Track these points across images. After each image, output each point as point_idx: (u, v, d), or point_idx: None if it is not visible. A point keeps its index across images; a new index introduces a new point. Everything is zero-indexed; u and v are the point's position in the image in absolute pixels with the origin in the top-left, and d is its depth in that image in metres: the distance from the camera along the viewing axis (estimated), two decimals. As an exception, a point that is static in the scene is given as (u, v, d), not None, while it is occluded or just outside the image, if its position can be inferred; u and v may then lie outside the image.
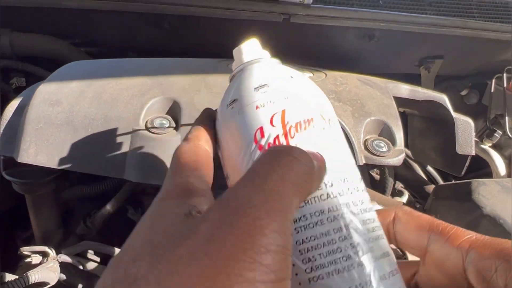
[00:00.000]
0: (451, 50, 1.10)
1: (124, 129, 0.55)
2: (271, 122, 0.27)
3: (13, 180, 0.73)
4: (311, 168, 0.23)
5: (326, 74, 0.72)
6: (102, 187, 0.92)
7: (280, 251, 0.19)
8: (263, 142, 0.26)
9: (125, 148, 0.55)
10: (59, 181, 0.78)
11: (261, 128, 0.27)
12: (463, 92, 1.24)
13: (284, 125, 0.27)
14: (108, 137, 0.55)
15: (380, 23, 0.96)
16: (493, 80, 1.13)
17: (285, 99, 0.28)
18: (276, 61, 0.33)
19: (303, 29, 0.92)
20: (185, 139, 0.29)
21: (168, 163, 0.55)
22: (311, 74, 0.70)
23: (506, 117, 1.08)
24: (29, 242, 0.95)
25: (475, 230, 0.73)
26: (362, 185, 0.28)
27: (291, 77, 0.30)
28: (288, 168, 0.22)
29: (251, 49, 0.33)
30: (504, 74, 1.10)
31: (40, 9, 0.80)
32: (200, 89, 0.59)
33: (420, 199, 0.88)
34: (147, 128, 0.55)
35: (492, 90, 1.14)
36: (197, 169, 0.27)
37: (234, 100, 0.29)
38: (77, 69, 0.64)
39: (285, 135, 0.27)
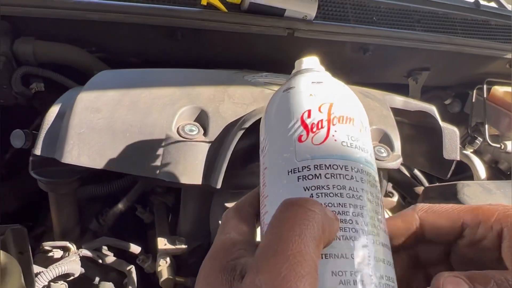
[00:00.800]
0: (437, 63, 1.15)
1: (159, 135, 0.59)
2: (319, 109, 0.29)
3: (40, 179, 0.76)
4: (326, 217, 0.24)
5: None
6: (112, 188, 0.96)
7: None
8: (308, 121, 0.29)
9: (159, 151, 0.59)
10: (81, 181, 0.82)
11: (309, 111, 0.29)
12: (447, 102, 1.30)
13: (329, 114, 0.29)
14: (144, 142, 0.59)
15: (374, 38, 1.01)
16: (474, 91, 1.19)
17: (335, 96, 0.30)
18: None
19: (305, 43, 0.96)
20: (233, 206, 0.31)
21: (197, 164, 0.61)
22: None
23: (486, 125, 1.13)
24: (41, 238, 0.98)
25: None
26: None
27: (343, 85, 0.32)
28: (306, 224, 0.23)
29: (313, 62, 0.35)
30: (484, 86, 1.17)
31: (62, 20, 0.82)
32: (223, 99, 0.64)
33: (410, 199, 0.95)
34: (178, 134, 0.60)
35: (473, 100, 1.20)
36: (238, 226, 0.29)
37: (291, 87, 0.31)
38: (110, 78, 0.67)
39: (328, 121, 0.29)
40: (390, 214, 0.81)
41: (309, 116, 0.28)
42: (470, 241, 0.29)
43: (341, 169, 0.27)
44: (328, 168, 0.27)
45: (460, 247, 0.30)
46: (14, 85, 0.84)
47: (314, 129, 0.29)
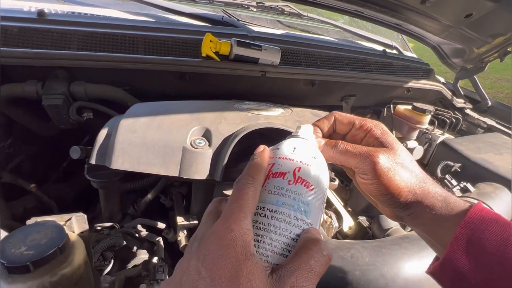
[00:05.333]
0: (360, 91, 1.18)
1: (178, 147, 0.60)
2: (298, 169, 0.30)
3: (93, 180, 0.76)
4: (327, 259, 0.26)
5: (292, 110, 0.78)
6: (143, 183, 0.95)
7: None
8: (295, 173, 0.29)
9: (178, 158, 0.60)
10: (122, 180, 0.82)
11: (297, 169, 0.30)
12: (367, 116, 1.31)
13: (270, 171, 0.30)
14: (168, 152, 0.60)
15: (319, 76, 1.04)
16: (385, 109, 1.24)
17: (278, 158, 0.31)
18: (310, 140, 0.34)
19: (273, 81, 0.97)
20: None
21: (204, 166, 0.62)
22: (283, 110, 0.78)
23: (393, 131, 1.18)
24: (93, 220, 0.96)
25: None
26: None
27: (314, 157, 0.31)
28: (322, 267, 0.25)
29: (306, 131, 0.34)
30: (391, 105, 1.22)
31: (105, 69, 0.81)
32: (221, 121, 0.65)
33: (346, 182, 0.98)
34: (191, 146, 0.61)
35: (385, 115, 1.24)
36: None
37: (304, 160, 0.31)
38: (142, 109, 0.67)
39: (267, 176, 0.30)
40: (334, 194, 0.83)
41: (298, 170, 0.30)
42: (352, 134, 0.37)
43: (261, 209, 0.28)
44: (262, 209, 0.28)
45: (348, 136, 0.37)
46: (71, 115, 0.83)
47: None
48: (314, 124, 0.37)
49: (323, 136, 0.37)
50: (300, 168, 0.30)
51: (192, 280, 0.23)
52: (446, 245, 0.31)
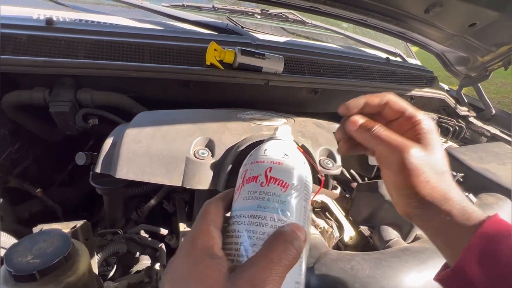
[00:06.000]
0: None
1: (181, 157, 0.60)
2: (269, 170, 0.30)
3: (98, 187, 0.77)
4: (299, 247, 0.25)
5: (294, 120, 0.79)
6: (146, 189, 0.96)
7: None
8: (267, 173, 0.29)
9: (182, 168, 0.60)
10: (125, 187, 0.83)
11: (268, 169, 0.29)
12: None
13: (244, 177, 0.30)
14: (172, 162, 0.60)
15: (321, 84, 1.04)
16: None
17: (251, 162, 0.31)
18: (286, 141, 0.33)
19: (276, 89, 0.98)
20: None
21: (207, 176, 0.62)
22: (286, 120, 0.77)
23: None
24: (96, 224, 0.96)
25: (380, 211, 0.81)
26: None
27: (286, 155, 0.31)
28: (288, 256, 0.24)
29: (282, 132, 0.35)
30: None
31: (111, 76, 0.82)
32: (224, 131, 0.65)
33: (348, 191, 0.98)
34: (195, 156, 0.61)
35: None
36: (215, 220, 0.29)
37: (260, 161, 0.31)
38: (147, 118, 0.68)
39: (242, 181, 0.30)
40: (335, 203, 0.83)
41: (269, 171, 0.30)
42: (399, 122, 0.35)
43: (238, 217, 0.28)
44: (238, 217, 0.29)
45: (394, 123, 0.36)
46: (77, 121, 0.84)
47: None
48: (364, 98, 0.37)
49: (367, 113, 0.36)
50: (271, 168, 0.29)
51: None
52: (457, 252, 0.30)
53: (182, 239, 0.79)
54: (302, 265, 0.28)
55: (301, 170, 0.30)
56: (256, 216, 0.27)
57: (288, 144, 0.33)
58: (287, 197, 0.28)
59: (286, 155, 0.30)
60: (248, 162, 0.31)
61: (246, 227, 0.27)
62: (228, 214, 0.30)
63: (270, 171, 0.29)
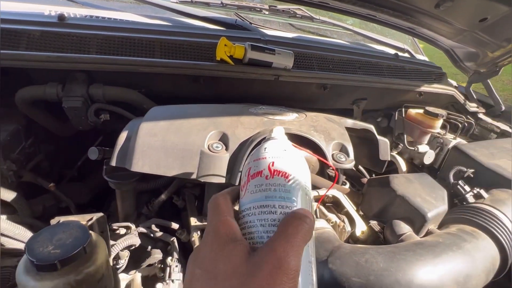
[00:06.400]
0: (371, 95, 1.18)
1: (196, 151, 0.61)
2: (272, 164, 0.32)
3: (111, 181, 0.77)
4: (311, 224, 0.28)
5: (306, 115, 0.79)
6: (156, 184, 0.97)
7: (297, 272, 0.25)
8: (270, 167, 0.32)
9: (196, 161, 0.61)
10: (138, 182, 0.83)
11: (271, 163, 0.32)
12: (378, 120, 1.32)
13: (248, 174, 0.33)
14: (186, 155, 0.61)
15: (331, 80, 1.04)
16: (396, 112, 1.23)
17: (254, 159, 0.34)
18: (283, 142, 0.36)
19: (286, 84, 0.98)
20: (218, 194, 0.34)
21: (221, 170, 0.63)
22: (297, 115, 0.78)
23: (405, 135, 1.18)
24: (107, 219, 0.97)
25: (392, 205, 0.81)
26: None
27: (285, 150, 0.34)
28: (302, 230, 0.27)
29: (277, 132, 0.38)
30: (403, 109, 1.22)
31: (122, 72, 0.83)
32: (237, 125, 0.65)
33: (358, 187, 0.98)
34: (209, 150, 0.62)
35: (396, 118, 1.23)
36: (229, 210, 0.31)
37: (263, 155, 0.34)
38: (161, 113, 0.68)
39: (248, 178, 0.32)
40: (347, 198, 0.83)
41: (272, 165, 0.32)
42: None
43: (248, 209, 0.31)
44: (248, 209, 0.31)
45: None
46: (89, 116, 0.85)
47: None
48: None
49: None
50: (273, 162, 0.32)
51: (190, 281, 0.28)
52: None
53: (194, 233, 0.80)
54: (312, 246, 0.31)
55: (300, 163, 0.34)
56: (266, 205, 0.30)
57: (285, 142, 0.36)
58: (291, 186, 0.31)
59: (285, 150, 0.34)
60: (251, 160, 0.34)
61: (258, 217, 0.30)
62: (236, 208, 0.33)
63: (273, 165, 0.32)
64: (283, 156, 0.33)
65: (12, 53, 0.74)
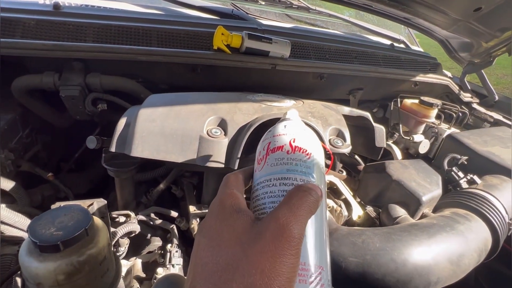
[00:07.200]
0: (368, 85, 1.19)
1: (195, 136, 0.61)
2: (293, 140, 0.33)
3: (110, 169, 0.78)
4: (317, 197, 0.28)
5: (303, 102, 0.80)
6: (155, 174, 0.97)
7: (300, 240, 0.25)
8: (291, 143, 0.33)
9: (195, 146, 0.61)
10: (136, 170, 0.84)
11: (292, 140, 0.33)
12: (374, 110, 1.34)
13: (268, 148, 0.33)
14: (185, 141, 0.61)
15: (327, 69, 1.04)
16: (392, 103, 1.24)
17: (274, 135, 0.35)
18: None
19: (283, 73, 0.98)
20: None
21: (220, 154, 0.64)
22: (295, 102, 0.79)
23: (400, 125, 1.19)
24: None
25: (388, 190, 0.83)
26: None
27: (304, 129, 0.36)
28: (307, 201, 0.27)
29: (292, 114, 0.39)
30: (398, 99, 1.22)
31: (119, 61, 0.82)
32: (236, 111, 0.66)
33: (354, 173, 0.99)
34: (208, 135, 0.62)
35: (391, 108, 1.24)
36: (237, 184, 0.33)
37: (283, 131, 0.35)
38: (159, 100, 0.68)
39: (267, 152, 0.33)
40: (344, 184, 0.85)
41: (292, 142, 0.33)
42: None
43: (268, 181, 0.31)
44: (269, 180, 0.31)
45: None
46: (86, 106, 0.84)
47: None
48: None
49: None
50: (294, 139, 0.33)
51: (196, 251, 0.28)
52: None
53: (193, 220, 0.81)
54: (324, 221, 0.31)
55: (317, 141, 0.35)
56: (287, 177, 0.31)
57: (302, 123, 0.38)
58: (311, 163, 0.32)
59: (304, 130, 0.35)
60: (269, 135, 0.35)
61: (279, 188, 0.30)
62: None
63: (294, 141, 0.33)
64: (303, 134, 0.34)
65: (8, 41, 0.73)
